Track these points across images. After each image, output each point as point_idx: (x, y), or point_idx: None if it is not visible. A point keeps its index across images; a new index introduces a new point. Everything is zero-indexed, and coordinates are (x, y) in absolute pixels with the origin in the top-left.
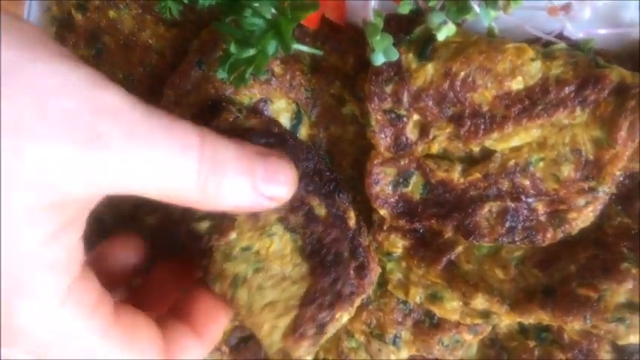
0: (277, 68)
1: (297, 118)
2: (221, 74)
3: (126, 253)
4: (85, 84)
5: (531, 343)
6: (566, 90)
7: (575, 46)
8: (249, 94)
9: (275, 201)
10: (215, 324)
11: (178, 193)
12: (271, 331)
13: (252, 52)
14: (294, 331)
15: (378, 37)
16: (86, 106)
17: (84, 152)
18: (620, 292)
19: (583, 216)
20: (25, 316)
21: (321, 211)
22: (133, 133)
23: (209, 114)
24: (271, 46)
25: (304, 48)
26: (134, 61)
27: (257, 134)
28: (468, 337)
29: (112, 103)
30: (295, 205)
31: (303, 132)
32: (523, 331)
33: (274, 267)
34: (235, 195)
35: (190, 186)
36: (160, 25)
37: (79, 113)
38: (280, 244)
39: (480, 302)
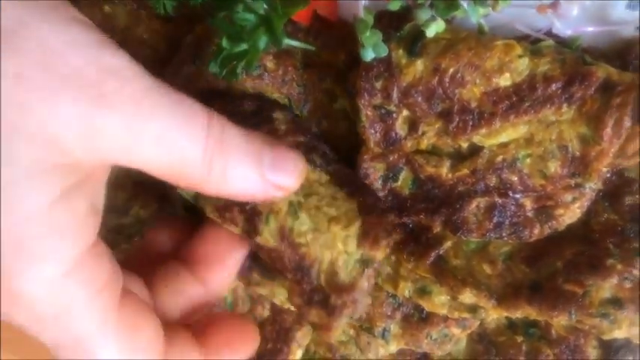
0: (270, 63)
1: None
2: (213, 68)
3: (165, 238)
4: (96, 45)
5: (519, 339)
6: (554, 87)
7: (563, 43)
8: (242, 88)
9: (282, 190)
10: (230, 350)
11: (182, 170)
12: (345, 241)
13: (243, 46)
14: (367, 234)
15: (367, 34)
16: (94, 65)
17: (87, 110)
18: (605, 288)
19: (570, 212)
20: (24, 278)
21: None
22: (140, 99)
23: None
24: (262, 41)
25: (296, 43)
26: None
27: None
28: (456, 331)
29: (121, 67)
30: None
31: None
32: (511, 326)
33: (321, 190)
34: (241, 180)
35: (195, 163)
36: (154, 20)
37: (86, 71)
38: (315, 174)
39: (467, 297)
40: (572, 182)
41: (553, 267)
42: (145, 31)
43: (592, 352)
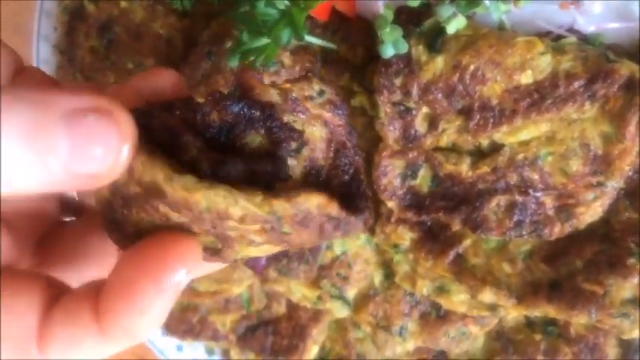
0: (287, 59)
1: None
2: (232, 62)
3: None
4: None
5: (537, 337)
6: (576, 84)
7: (585, 40)
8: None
9: (95, 180)
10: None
11: None
12: None
13: (263, 41)
14: None
15: (387, 29)
16: None
17: None
18: (626, 288)
19: (591, 210)
20: None
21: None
22: None
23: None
24: (284, 35)
25: (315, 39)
26: (145, 52)
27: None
28: (474, 329)
29: None
30: None
31: None
32: (530, 324)
33: None
34: (31, 174)
35: None
36: (170, 15)
37: None
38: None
39: (487, 296)
40: (594, 181)
41: (573, 266)
42: (162, 26)
43: (611, 351)
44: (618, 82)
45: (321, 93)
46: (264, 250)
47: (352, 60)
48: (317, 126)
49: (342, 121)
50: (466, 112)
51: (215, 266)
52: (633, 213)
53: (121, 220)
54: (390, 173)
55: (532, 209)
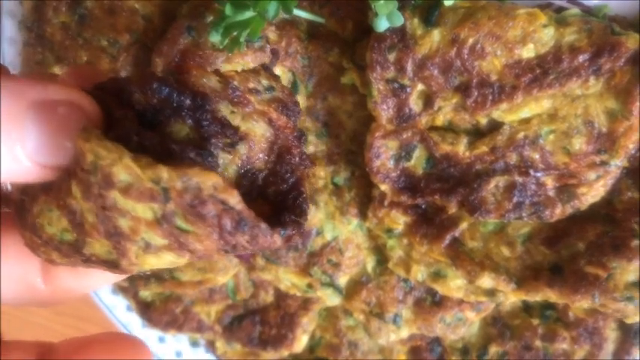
0: (272, 34)
1: (292, 88)
2: (213, 37)
3: None
4: None
5: (535, 321)
6: (580, 58)
7: (588, 11)
8: (243, 62)
9: (55, 170)
10: None
11: None
12: None
13: (248, 14)
14: None
15: (381, 2)
16: None
17: None
18: (630, 271)
19: (593, 191)
20: None
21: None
22: None
23: None
24: (271, 8)
25: (303, 13)
26: (120, 28)
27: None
28: (470, 315)
29: None
30: None
31: (300, 103)
32: (527, 308)
33: None
34: None
35: None
36: None
37: None
38: None
39: (486, 281)
40: (598, 159)
41: (575, 248)
42: (138, 0)
43: (611, 334)
44: (625, 55)
45: (269, 89)
46: (166, 260)
47: (341, 34)
48: (260, 123)
49: (291, 125)
50: (464, 89)
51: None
52: (636, 192)
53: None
54: (383, 155)
55: (532, 190)
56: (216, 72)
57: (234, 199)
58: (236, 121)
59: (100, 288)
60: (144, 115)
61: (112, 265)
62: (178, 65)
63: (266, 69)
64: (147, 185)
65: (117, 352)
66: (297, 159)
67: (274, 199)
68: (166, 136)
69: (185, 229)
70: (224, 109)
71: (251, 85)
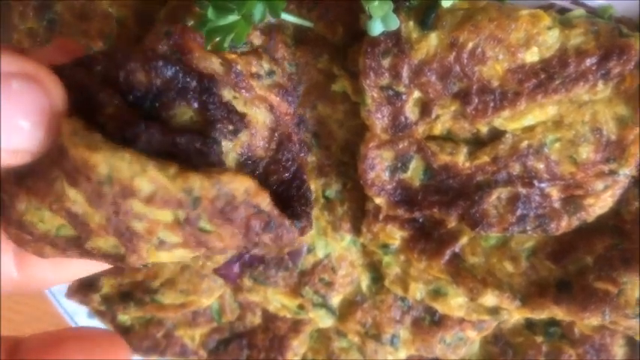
0: (257, 40)
1: None
2: None
3: None
4: None
5: (539, 339)
6: (588, 62)
7: (593, 13)
8: None
9: (17, 156)
10: None
11: None
12: None
13: (232, 17)
14: None
15: (375, 3)
16: None
17: None
18: None
19: (601, 201)
20: None
21: None
22: None
23: None
24: (258, 11)
25: (291, 17)
26: (92, 33)
27: None
28: (472, 334)
29: None
30: None
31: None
32: (530, 325)
33: None
34: None
35: None
36: None
37: None
38: None
39: (488, 299)
40: (606, 169)
41: (582, 263)
42: (111, 3)
43: (618, 350)
44: (634, 58)
45: (270, 73)
46: (177, 255)
47: (331, 39)
48: (261, 109)
49: (291, 110)
50: (463, 96)
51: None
52: None
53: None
54: (378, 166)
55: (536, 202)
56: (219, 54)
57: (265, 202)
58: (239, 107)
59: (77, 278)
60: (143, 97)
61: (117, 259)
62: (179, 44)
63: (267, 51)
64: (176, 195)
65: (93, 351)
66: (297, 146)
67: (277, 188)
68: (167, 123)
69: (208, 230)
70: (227, 95)
71: (253, 69)
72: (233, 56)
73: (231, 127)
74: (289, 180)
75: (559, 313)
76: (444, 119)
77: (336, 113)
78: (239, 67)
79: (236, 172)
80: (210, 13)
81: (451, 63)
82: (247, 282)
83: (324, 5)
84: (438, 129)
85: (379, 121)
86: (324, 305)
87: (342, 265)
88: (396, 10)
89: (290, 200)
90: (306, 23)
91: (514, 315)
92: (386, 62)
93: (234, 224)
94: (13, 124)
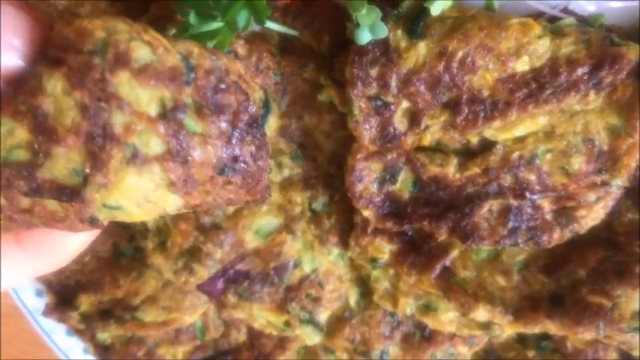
0: (241, 49)
1: (265, 107)
2: None
3: None
4: None
5: (530, 353)
6: (579, 71)
7: (583, 21)
8: None
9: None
10: None
11: None
12: None
13: (216, 24)
14: None
15: (364, 11)
16: None
17: None
18: (636, 299)
19: (593, 213)
20: None
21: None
22: None
23: None
24: (242, 18)
25: (275, 25)
26: None
27: None
28: (463, 349)
29: None
30: None
31: (273, 123)
32: (521, 340)
33: None
34: None
35: None
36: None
37: None
38: None
39: (480, 314)
40: (598, 180)
41: (575, 276)
42: (91, 12)
43: None
44: (626, 67)
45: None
46: (143, 188)
47: (317, 48)
48: None
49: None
50: (453, 106)
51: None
52: (636, 214)
53: None
54: (366, 178)
55: (528, 214)
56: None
57: (254, 95)
58: None
59: (16, 285)
60: None
61: (70, 195)
62: None
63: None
64: (172, 61)
65: None
66: None
67: None
68: None
69: (192, 130)
70: None
71: None
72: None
73: None
74: None
75: (552, 327)
76: (433, 130)
77: (323, 124)
78: None
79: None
80: (193, 18)
81: (440, 72)
82: (232, 298)
83: (309, 14)
84: (428, 140)
85: (367, 132)
86: (311, 321)
87: (329, 279)
88: (384, 19)
89: None
90: (292, 32)
91: (506, 330)
92: (374, 72)
93: (222, 117)
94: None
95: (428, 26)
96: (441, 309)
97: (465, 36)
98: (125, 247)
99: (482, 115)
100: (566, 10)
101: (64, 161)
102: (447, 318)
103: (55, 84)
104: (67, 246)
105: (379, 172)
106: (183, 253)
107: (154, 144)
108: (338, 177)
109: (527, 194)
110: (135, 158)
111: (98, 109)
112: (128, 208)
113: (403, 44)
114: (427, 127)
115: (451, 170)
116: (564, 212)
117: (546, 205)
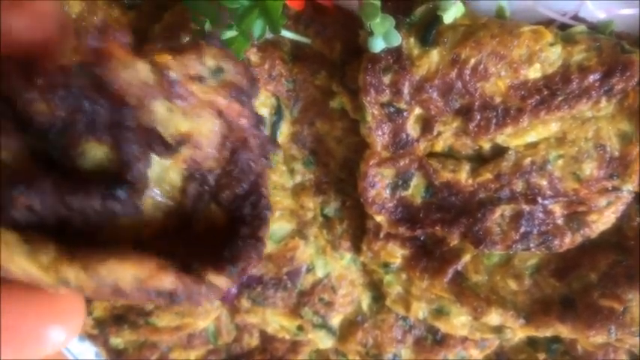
0: (254, 56)
1: (277, 113)
2: None
3: None
4: None
5: (541, 356)
6: (591, 78)
7: (593, 28)
8: None
9: None
10: None
11: None
12: None
13: (230, 33)
14: None
15: (377, 20)
16: None
17: None
18: None
19: (604, 218)
20: None
21: None
22: None
23: None
24: (257, 27)
25: (288, 33)
26: None
27: None
28: (474, 352)
29: None
30: None
31: (285, 129)
32: (532, 342)
33: None
34: None
35: None
36: (114, 7)
37: None
38: None
39: (493, 317)
40: (609, 185)
41: (587, 280)
42: (103, 19)
43: None
44: (638, 74)
45: (216, 72)
46: None
47: (329, 56)
48: (205, 117)
49: (247, 112)
50: (465, 113)
51: None
52: None
53: None
54: (379, 184)
55: (540, 219)
56: (149, 58)
57: (168, 281)
58: (175, 120)
59: None
60: (46, 131)
61: None
62: (96, 50)
63: (212, 43)
64: (53, 286)
65: None
66: (256, 152)
67: (229, 206)
68: (75, 166)
69: None
70: (160, 108)
71: (192, 71)
72: (167, 58)
73: (160, 152)
74: (244, 195)
75: (564, 330)
76: (445, 136)
77: (335, 130)
78: (172, 73)
79: (126, 256)
80: (208, 28)
81: (453, 79)
82: (245, 303)
83: (321, 22)
84: (440, 146)
85: (380, 138)
86: (324, 326)
87: (342, 284)
88: (397, 27)
89: (240, 223)
90: (304, 40)
91: (518, 333)
92: (387, 79)
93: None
94: None
95: (440, 34)
96: (454, 313)
97: (477, 43)
98: None
99: (494, 121)
100: (576, 18)
101: None
102: (459, 322)
103: None
104: None
105: (392, 177)
106: None
107: None
108: (350, 182)
109: (539, 199)
110: None
111: None
112: None
113: (416, 52)
114: (439, 134)
115: (463, 176)
116: (575, 217)
117: (558, 210)
